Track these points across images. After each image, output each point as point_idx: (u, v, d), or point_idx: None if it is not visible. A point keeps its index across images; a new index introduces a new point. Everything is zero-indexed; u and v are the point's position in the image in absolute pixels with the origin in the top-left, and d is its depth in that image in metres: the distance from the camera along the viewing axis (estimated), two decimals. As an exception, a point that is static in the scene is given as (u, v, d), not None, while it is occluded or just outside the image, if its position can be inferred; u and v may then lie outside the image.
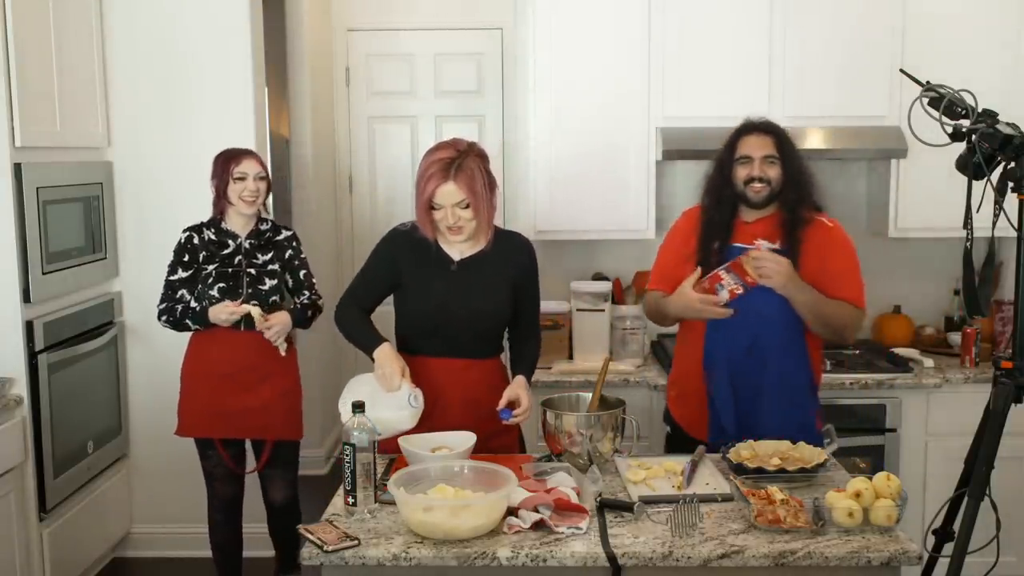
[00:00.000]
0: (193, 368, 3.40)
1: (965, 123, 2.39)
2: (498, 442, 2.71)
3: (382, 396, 2.56)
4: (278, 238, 3.43)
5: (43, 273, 3.40)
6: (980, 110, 2.39)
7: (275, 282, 3.38)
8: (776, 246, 2.74)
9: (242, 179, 3.29)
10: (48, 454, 3.41)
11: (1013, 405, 2.40)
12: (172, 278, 3.36)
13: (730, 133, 2.89)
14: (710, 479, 2.45)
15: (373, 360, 2.67)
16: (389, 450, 2.56)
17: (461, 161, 2.57)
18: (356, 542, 2.08)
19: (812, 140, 3.67)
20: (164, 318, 3.35)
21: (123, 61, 3.95)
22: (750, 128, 2.85)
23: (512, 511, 2.19)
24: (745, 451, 2.52)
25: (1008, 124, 2.37)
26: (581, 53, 3.76)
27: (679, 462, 2.52)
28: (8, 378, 3.30)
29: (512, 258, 2.76)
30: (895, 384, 3.53)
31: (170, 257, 3.36)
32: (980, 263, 2.51)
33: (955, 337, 3.86)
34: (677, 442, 2.95)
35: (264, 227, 3.43)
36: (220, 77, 3.98)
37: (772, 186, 2.78)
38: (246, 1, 3.94)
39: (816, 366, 2.87)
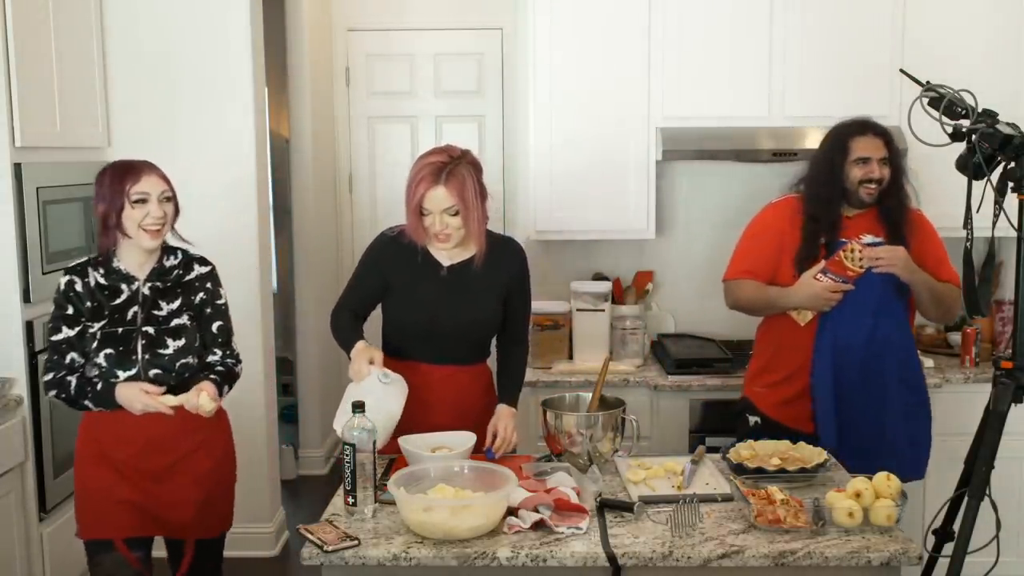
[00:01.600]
0: (86, 451, 2.60)
1: (965, 123, 2.39)
2: (481, 432, 2.69)
3: (361, 392, 2.48)
4: (188, 276, 2.63)
5: (43, 273, 3.40)
6: (980, 110, 2.39)
7: (182, 342, 2.55)
8: (880, 240, 2.88)
9: (143, 201, 2.49)
10: (48, 454, 3.41)
11: (1013, 405, 2.40)
12: (56, 338, 2.54)
13: (837, 131, 2.96)
14: (710, 479, 2.45)
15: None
16: (389, 450, 2.55)
17: (453, 167, 2.56)
18: (356, 542, 2.08)
19: (812, 140, 3.66)
20: (54, 392, 2.56)
21: (123, 61, 3.95)
22: (863, 128, 2.93)
23: (512, 511, 2.19)
24: (745, 451, 2.53)
25: (1008, 124, 2.37)
26: (581, 53, 3.76)
27: (679, 462, 2.52)
28: (8, 378, 3.30)
29: (504, 265, 2.75)
30: (895, 384, 3.52)
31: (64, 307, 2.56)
32: (980, 263, 2.52)
33: (955, 337, 3.86)
34: (769, 434, 2.86)
35: (171, 261, 2.61)
36: (220, 77, 3.98)
37: (882, 186, 2.90)
38: (246, 1, 3.94)
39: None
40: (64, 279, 2.55)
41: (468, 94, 5.40)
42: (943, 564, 2.42)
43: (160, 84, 3.97)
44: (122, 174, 2.51)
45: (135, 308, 2.55)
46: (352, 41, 5.40)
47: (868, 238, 2.88)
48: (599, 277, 4.04)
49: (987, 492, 2.38)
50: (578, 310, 3.82)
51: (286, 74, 5.08)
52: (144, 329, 2.54)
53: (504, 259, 2.75)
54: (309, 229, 5.16)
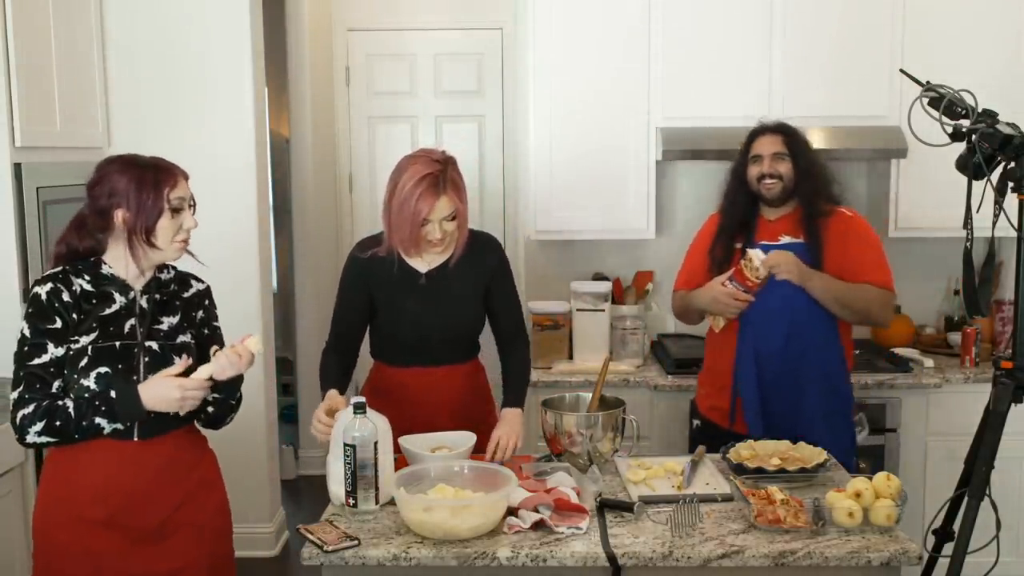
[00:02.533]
0: (51, 511, 2.15)
1: (965, 123, 2.39)
2: (478, 432, 2.68)
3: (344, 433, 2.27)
4: (187, 293, 2.30)
5: (43, 273, 3.40)
6: (980, 110, 2.39)
7: (190, 363, 2.20)
8: (799, 241, 2.84)
9: (179, 210, 2.16)
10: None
11: (1013, 405, 2.40)
12: (36, 362, 2.09)
13: (745, 138, 3.01)
14: (710, 479, 2.45)
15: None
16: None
17: (446, 173, 2.55)
18: (356, 542, 2.08)
19: (812, 140, 3.66)
20: (37, 429, 2.06)
21: (123, 61, 3.95)
22: (761, 130, 2.98)
23: (512, 511, 2.19)
24: (745, 451, 2.53)
25: (1008, 124, 2.37)
26: (581, 53, 3.76)
27: (679, 462, 2.52)
28: (8, 378, 3.29)
29: (481, 261, 2.74)
30: (895, 384, 3.52)
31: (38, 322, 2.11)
32: (980, 263, 2.51)
33: (955, 337, 3.86)
34: (707, 436, 2.95)
35: (165, 275, 2.28)
36: (220, 77, 3.98)
37: (784, 182, 2.88)
38: (246, 1, 3.94)
39: (848, 353, 2.96)
40: (45, 288, 2.12)
41: (468, 94, 5.39)
42: (943, 564, 2.42)
43: (160, 84, 3.97)
44: (155, 176, 2.13)
45: (132, 321, 2.17)
46: (352, 41, 5.40)
47: (785, 239, 2.87)
48: (599, 277, 4.04)
49: (987, 492, 2.37)
50: (578, 310, 3.82)
51: (286, 74, 5.08)
52: (147, 344, 2.17)
53: (481, 255, 2.74)
54: (309, 229, 5.16)
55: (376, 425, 2.24)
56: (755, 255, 2.75)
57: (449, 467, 2.34)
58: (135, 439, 2.15)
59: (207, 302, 2.35)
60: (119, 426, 2.10)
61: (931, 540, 2.68)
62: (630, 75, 3.75)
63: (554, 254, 4.11)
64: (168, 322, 2.23)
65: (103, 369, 2.10)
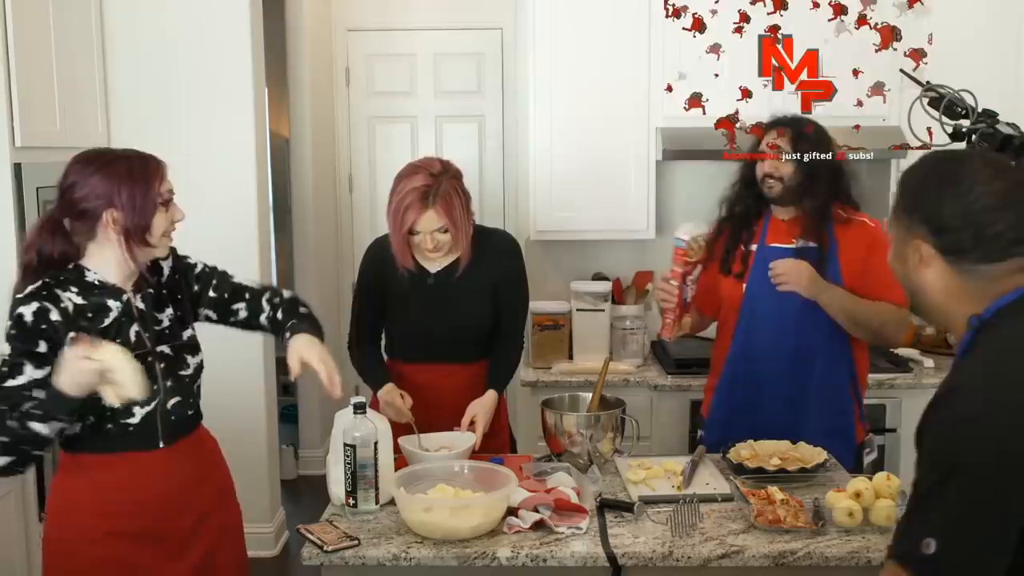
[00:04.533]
0: (74, 525, 2.03)
1: (965, 123, 2.39)
2: (488, 444, 2.72)
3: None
4: (164, 276, 2.16)
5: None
6: (980, 110, 2.39)
7: (199, 358, 2.15)
8: (813, 245, 2.71)
9: (168, 203, 2.07)
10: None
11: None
12: (14, 383, 1.91)
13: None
14: (710, 479, 2.45)
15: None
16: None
17: (438, 187, 2.56)
18: (356, 542, 2.08)
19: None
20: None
21: (123, 61, 3.95)
22: (772, 123, 2.83)
23: (512, 511, 2.19)
24: (745, 451, 2.52)
25: (1008, 124, 2.37)
26: (581, 53, 3.76)
27: (679, 462, 2.52)
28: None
29: (493, 262, 2.75)
30: (895, 384, 3.53)
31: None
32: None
33: (955, 337, 3.86)
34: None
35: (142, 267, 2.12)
36: (220, 77, 3.98)
37: (785, 182, 2.73)
38: (246, 1, 3.94)
39: (861, 370, 2.83)
40: (30, 307, 1.92)
41: (468, 94, 5.39)
42: (943, 564, 2.42)
43: (160, 84, 3.97)
44: (143, 170, 2.01)
45: (135, 327, 2.04)
46: (352, 41, 5.40)
47: (798, 243, 2.72)
48: (599, 277, 4.04)
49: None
50: (578, 310, 3.82)
51: (286, 74, 5.08)
52: (160, 350, 2.07)
53: (493, 255, 2.75)
54: (309, 229, 5.16)
55: (376, 425, 2.25)
56: (683, 229, 2.66)
57: (449, 467, 2.34)
58: (160, 446, 2.07)
59: (182, 270, 2.19)
60: (64, 425, 1.90)
61: (931, 540, 2.68)
62: (630, 75, 3.75)
63: (554, 254, 4.11)
64: (167, 317, 2.12)
65: None
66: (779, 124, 2.81)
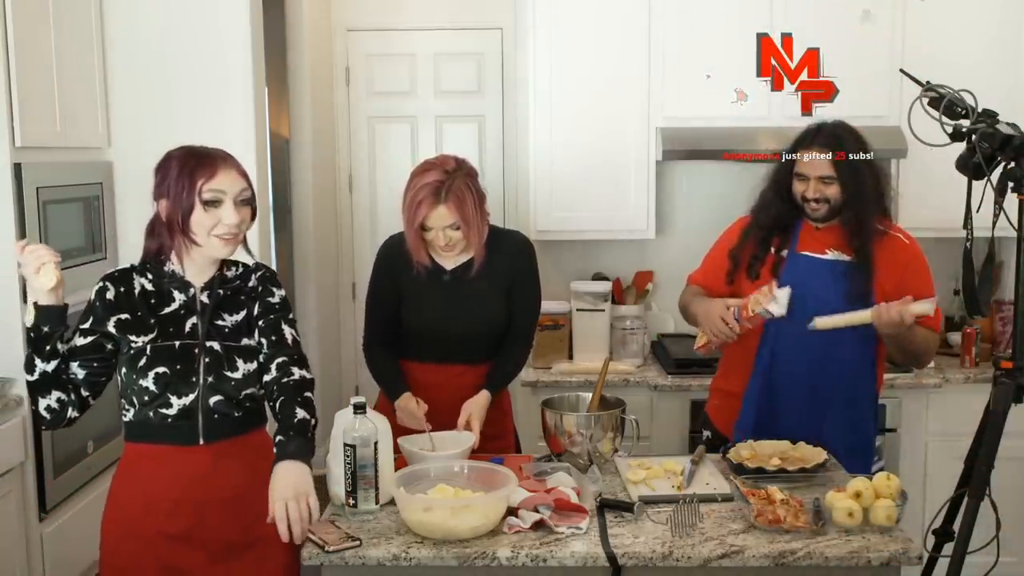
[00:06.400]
0: (125, 524, 2.11)
1: (965, 123, 2.39)
2: (493, 445, 2.72)
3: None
4: (248, 286, 2.20)
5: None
6: (980, 110, 2.39)
7: (253, 366, 2.12)
8: (848, 258, 2.67)
9: (216, 203, 2.05)
10: (48, 454, 3.40)
11: (1013, 405, 2.40)
12: (58, 346, 2.07)
13: (797, 137, 2.76)
14: (710, 479, 2.45)
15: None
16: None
17: (451, 184, 2.56)
18: (358, 542, 2.08)
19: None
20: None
21: (123, 61, 3.95)
22: (810, 139, 2.71)
23: (512, 511, 2.19)
24: (745, 451, 2.53)
25: (1008, 124, 2.37)
26: (581, 53, 3.76)
27: (679, 462, 2.52)
28: (8, 378, 3.29)
29: (508, 262, 2.76)
30: (895, 384, 3.53)
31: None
32: (980, 263, 2.51)
33: (955, 337, 3.86)
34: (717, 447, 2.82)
35: (232, 272, 2.20)
36: (220, 77, 3.97)
37: (832, 204, 2.67)
38: (246, 1, 3.94)
39: (879, 379, 2.82)
40: (97, 286, 2.13)
41: (468, 94, 5.39)
42: (943, 564, 2.42)
43: (160, 84, 3.97)
44: (193, 166, 2.04)
45: (193, 319, 2.10)
46: (352, 41, 5.40)
47: (832, 254, 2.70)
48: (599, 277, 4.04)
49: (987, 492, 2.37)
50: (578, 310, 3.82)
51: (286, 74, 5.08)
52: (208, 344, 2.09)
53: (509, 256, 2.76)
54: (309, 229, 5.16)
55: (376, 425, 2.25)
56: (781, 293, 2.55)
57: (449, 467, 2.34)
58: (200, 443, 2.07)
59: (261, 288, 2.19)
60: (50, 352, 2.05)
61: (931, 540, 2.68)
62: (630, 75, 3.75)
63: (554, 254, 4.11)
64: (232, 320, 2.14)
65: (161, 369, 2.05)
66: (817, 142, 2.68)
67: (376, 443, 2.23)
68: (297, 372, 2.13)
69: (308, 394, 2.13)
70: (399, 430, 2.52)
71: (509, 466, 2.35)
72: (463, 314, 2.71)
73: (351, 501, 2.22)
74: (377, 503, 2.25)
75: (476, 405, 2.65)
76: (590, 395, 2.72)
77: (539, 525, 2.15)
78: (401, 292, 2.75)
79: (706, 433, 2.98)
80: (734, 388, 2.83)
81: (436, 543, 2.08)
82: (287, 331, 2.17)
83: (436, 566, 2.06)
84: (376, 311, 2.82)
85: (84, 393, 2.11)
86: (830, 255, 2.70)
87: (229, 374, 2.09)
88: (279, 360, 2.13)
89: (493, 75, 5.35)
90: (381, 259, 2.81)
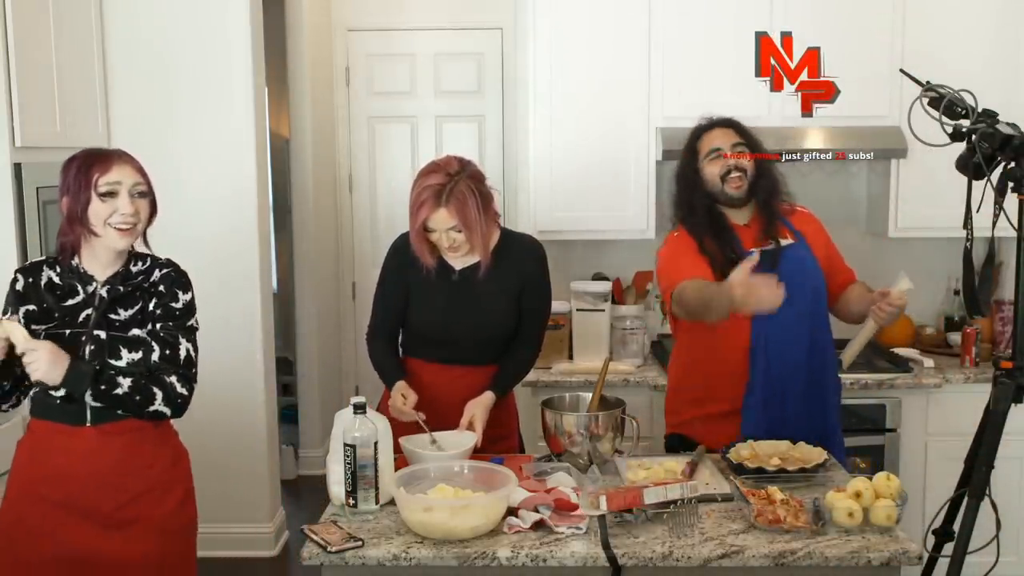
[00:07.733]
0: (19, 489, 2.26)
1: (965, 123, 2.39)
2: (498, 446, 2.73)
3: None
4: (148, 283, 2.27)
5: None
6: (980, 110, 2.39)
7: (139, 355, 2.20)
8: (784, 243, 2.71)
9: (111, 195, 2.16)
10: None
11: (1013, 405, 2.40)
12: None
13: (687, 139, 2.83)
14: (710, 479, 2.45)
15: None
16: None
17: (453, 186, 2.56)
18: (360, 543, 2.08)
19: (812, 140, 3.67)
20: None
21: (123, 61, 3.96)
22: (708, 125, 2.80)
23: (512, 511, 2.19)
24: (745, 451, 2.53)
25: (1008, 124, 2.36)
26: (581, 53, 3.76)
27: (679, 462, 2.52)
28: None
29: (518, 265, 2.75)
30: (895, 384, 3.52)
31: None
32: (980, 263, 2.51)
33: (955, 337, 3.86)
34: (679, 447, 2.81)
35: (138, 267, 2.28)
36: (220, 77, 3.98)
37: (748, 176, 2.70)
38: (246, 1, 3.95)
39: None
40: (11, 278, 2.25)
41: (468, 94, 5.40)
42: (943, 564, 2.42)
43: (160, 84, 3.98)
44: (90, 163, 2.17)
45: (89, 310, 2.20)
46: (352, 41, 5.40)
47: (784, 241, 2.70)
48: (599, 277, 4.04)
49: (987, 492, 2.37)
50: (578, 310, 3.82)
51: (286, 74, 5.09)
52: (95, 333, 2.18)
53: (518, 258, 2.75)
54: (309, 229, 5.16)
55: (376, 425, 2.25)
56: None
57: (449, 467, 2.34)
58: (87, 425, 2.19)
59: (164, 289, 2.26)
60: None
61: (931, 540, 2.68)
62: (630, 75, 3.75)
63: (554, 254, 4.09)
64: (126, 315, 2.23)
65: None
66: (717, 124, 2.80)
67: (376, 443, 2.23)
68: (179, 389, 2.23)
69: (179, 403, 2.24)
70: (399, 430, 2.52)
71: (509, 466, 2.35)
72: (468, 315, 2.70)
73: (351, 501, 2.23)
74: (377, 503, 2.25)
75: (479, 405, 2.65)
76: (590, 395, 2.72)
77: (539, 525, 2.15)
78: (409, 289, 2.75)
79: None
80: (721, 407, 2.74)
81: (436, 543, 2.09)
82: (183, 346, 2.26)
83: (436, 566, 2.06)
84: (383, 304, 2.82)
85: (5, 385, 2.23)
86: (772, 245, 2.68)
87: (113, 362, 2.18)
88: (170, 380, 2.22)
89: (493, 75, 5.36)
90: (392, 254, 2.80)
